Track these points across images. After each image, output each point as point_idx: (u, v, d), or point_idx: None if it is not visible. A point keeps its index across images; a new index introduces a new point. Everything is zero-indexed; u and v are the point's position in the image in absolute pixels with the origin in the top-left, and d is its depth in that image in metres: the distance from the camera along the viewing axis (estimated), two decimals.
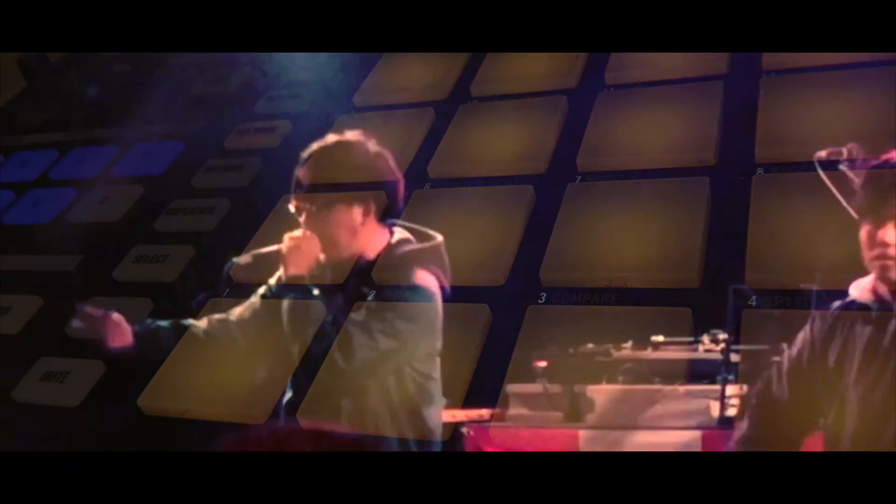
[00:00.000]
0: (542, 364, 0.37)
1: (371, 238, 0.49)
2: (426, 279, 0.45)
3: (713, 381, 0.34)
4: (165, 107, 0.74)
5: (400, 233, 0.48)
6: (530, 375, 0.37)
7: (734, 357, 0.35)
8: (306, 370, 0.42)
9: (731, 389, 0.34)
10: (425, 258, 0.46)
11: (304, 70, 0.70)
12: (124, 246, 0.57)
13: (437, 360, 0.40)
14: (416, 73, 0.63)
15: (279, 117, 0.65)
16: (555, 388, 0.36)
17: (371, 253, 0.48)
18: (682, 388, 0.34)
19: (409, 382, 0.40)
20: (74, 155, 0.72)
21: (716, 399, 0.34)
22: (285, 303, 0.47)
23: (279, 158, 0.60)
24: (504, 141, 0.52)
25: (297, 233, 0.51)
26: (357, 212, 0.50)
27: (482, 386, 0.38)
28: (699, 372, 0.35)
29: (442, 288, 0.44)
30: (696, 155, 0.46)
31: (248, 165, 0.61)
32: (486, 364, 0.40)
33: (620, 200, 0.45)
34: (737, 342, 0.36)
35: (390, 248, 0.48)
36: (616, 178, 0.47)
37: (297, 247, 0.50)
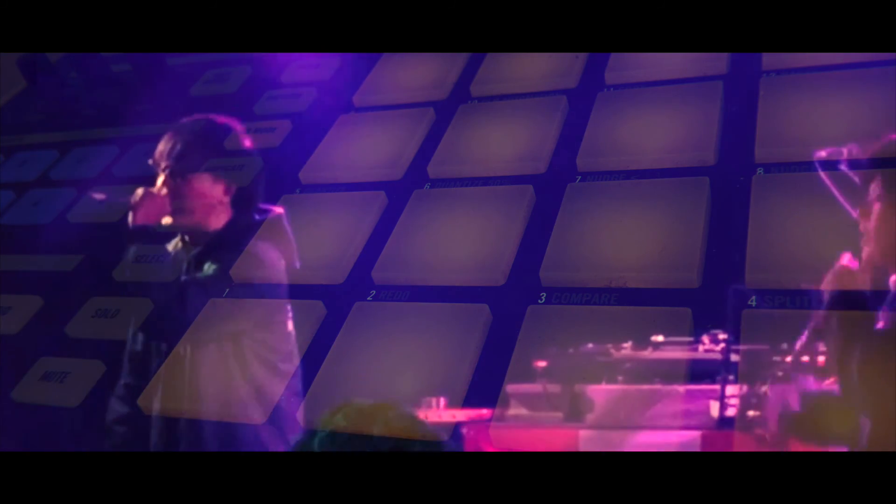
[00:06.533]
0: (542, 364, 0.37)
1: (220, 213, 0.53)
2: (264, 251, 0.47)
3: (713, 381, 0.34)
4: (165, 107, 0.74)
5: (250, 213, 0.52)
6: (530, 375, 0.37)
7: (734, 357, 0.35)
8: (306, 370, 0.42)
9: (731, 389, 0.34)
10: (264, 233, 0.49)
11: (304, 70, 0.70)
12: (124, 246, 0.57)
13: (286, 331, 0.43)
14: (416, 73, 0.63)
15: (279, 117, 0.65)
16: (555, 388, 0.36)
17: (215, 224, 0.52)
18: (682, 388, 0.34)
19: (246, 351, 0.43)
20: (74, 155, 0.72)
21: (716, 399, 0.34)
22: (285, 303, 0.47)
23: (279, 158, 0.60)
24: (504, 141, 0.52)
25: (153, 188, 0.54)
26: (218, 189, 0.52)
27: (482, 386, 0.38)
28: (699, 372, 0.35)
29: (287, 260, 0.47)
30: (696, 155, 0.46)
31: (249, 165, 0.61)
32: (486, 364, 0.40)
33: (620, 200, 0.45)
34: (737, 342, 0.36)
35: (234, 221, 0.52)
36: (616, 178, 0.47)
37: (147, 200, 0.52)
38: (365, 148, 0.57)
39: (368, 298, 0.45)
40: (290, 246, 0.50)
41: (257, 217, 0.52)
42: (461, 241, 0.46)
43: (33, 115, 0.83)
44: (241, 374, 0.44)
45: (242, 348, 0.45)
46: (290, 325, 0.45)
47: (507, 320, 0.41)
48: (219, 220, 0.53)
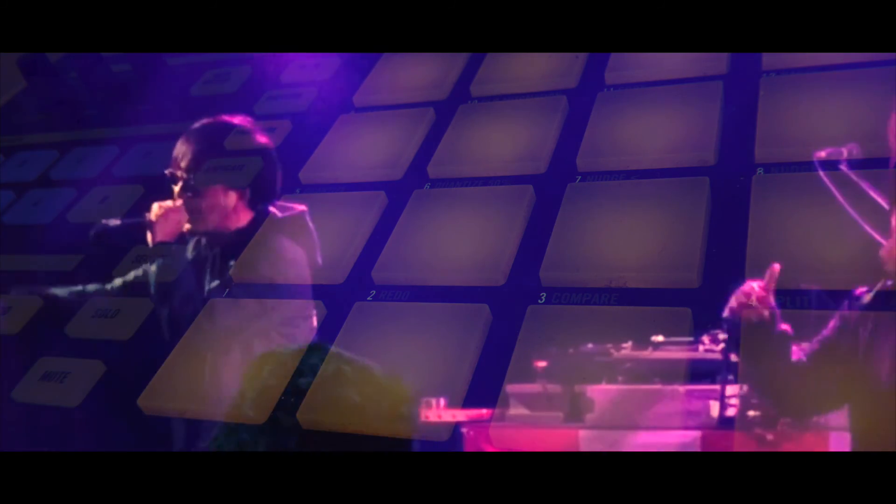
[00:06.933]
0: (542, 364, 0.37)
1: (239, 213, 0.52)
2: (287, 248, 0.47)
3: (713, 381, 0.34)
4: (165, 107, 0.74)
5: (270, 210, 0.52)
6: (530, 375, 0.37)
7: (734, 357, 0.35)
8: (306, 370, 0.42)
9: (730, 389, 0.34)
10: (287, 226, 0.49)
11: (304, 70, 0.70)
12: (124, 246, 0.57)
13: (309, 326, 0.44)
14: (416, 73, 0.63)
15: (279, 117, 0.65)
16: (555, 388, 0.36)
17: (236, 225, 0.52)
18: (682, 388, 0.34)
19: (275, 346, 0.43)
20: (74, 155, 0.72)
21: (716, 399, 0.34)
22: (285, 303, 0.47)
23: (279, 158, 0.60)
24: (504, 141, 0.52)
25: (168, 202, 0.53)
26: (231, 198, 0.52)
27: (482, 386, 0.38)
28: (699, 372, 0.35)
29: (310, 256, 0.47)
30: (696, 155, 0.46)
31: (248, 165, 0.61)
32: (486, 364, 0.40)
33: (620, 200, 0.45)
34: (737, 342, 0.36)
35: (254, 221, 0.52)
36: (616, 178, 0.47)
37: (164, 216, 0.52)
38: (365, 148, 0.57)
39: (368, 298, 0.45)
40: (313, 242, 0.50)
41: (280, 215, 0.52)
42: (461, 241, 0.46)
43: (33, 115, 0.83)
44: (241, 374, 0.44)
45: (242, 349, 0.45)
46: (290, 326, 0.45)
47: (507, 320, 0.41)
48: (237, 225, 0.53)
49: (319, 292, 0.47)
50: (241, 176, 0.60)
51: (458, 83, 0.61)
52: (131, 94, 0.78)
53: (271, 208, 0.53)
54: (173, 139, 0.68)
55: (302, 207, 0.51)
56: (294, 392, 0.42)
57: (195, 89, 0.75)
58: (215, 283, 0.49)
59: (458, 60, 0.63)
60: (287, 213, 0.51)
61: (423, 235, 0.47)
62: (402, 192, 0.52)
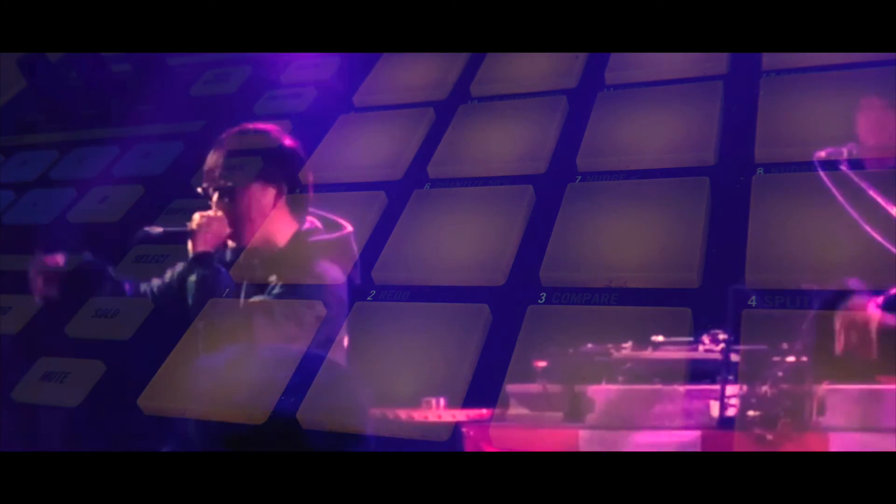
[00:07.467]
0: (542, 364, 0.37)
1: (280, 224, 0.50)
2: (329, 270, 0.46)
3: (713, 381, 0.34)
4: (165, 107, 0.74)
5: (311, 222, 0.50)
6: (530, 375, 0.37)
7: (734, 357, 0.35)
8: (306, 370, 0.42)
9: (731, 389, 0.34)
10: (332, 248, 0.47)
11: (304, 70, 0.70)
12: (124, 246, 0.57)
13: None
14: (416, 73, 0.63)
15: (279, 117, 0.65)
16: (555, 388, 0.36)
17: (280, 240, 0.49)
18: (682, 388, 0.34)
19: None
20: (74, 155, 0.72)
21: (716, 399, 0.34)
22: (285, 302, 0.47)
23: (280, 158, 0.60)
24: (504, 141, 0.52)
25: (208, 212, 0.52)
26: (269, 195, 0.51)
27: (482, 386, 0.38)
28: (699, 372, 0.35)
29: (349, 279, 0.46)
30: (696, 155, 0.46)
31: (248, 165, 0.61)
32: (486, 364, 0.40)
33: (620, 200, 0.45)
34: (737, 342, 0.36)
35: (298, 236, 0.49)
36: (616, 178, 0.47)
37: (206, 225, 0.51)
38: (365, 148, 0.57)
39: (368, 298, 0.45)
40: (355, 269, 0.48)
41: (325, 234, 0.50)
42: (461, 241, 0.46)
43: (33, 115, 0.83)
44: (241, 374, 0.44)
45: (243, 348, 0.45)
46: (290, 325, 0.45)
47: (507, 320, 0.41)
48: (278, 227, 0.52)
49: (319, 292, 0.47)
50: (241, 176, 0.60)
51: (458, 83, 0.61)
52: (131, 94, 0.78)
53: (309, 217, 0.51)
54: (173, 139, 0.68)
55: (349, 228, 0.49)
56: (294, 392, 0.41)
57: (195, 89, 0.75)
58: (258, 297, 0.48)
59: (458, 60, 0.63)
60: (334, 234, 0.49)
61: (423, 235, 0.47)
62: (402, 192, 0.52)
